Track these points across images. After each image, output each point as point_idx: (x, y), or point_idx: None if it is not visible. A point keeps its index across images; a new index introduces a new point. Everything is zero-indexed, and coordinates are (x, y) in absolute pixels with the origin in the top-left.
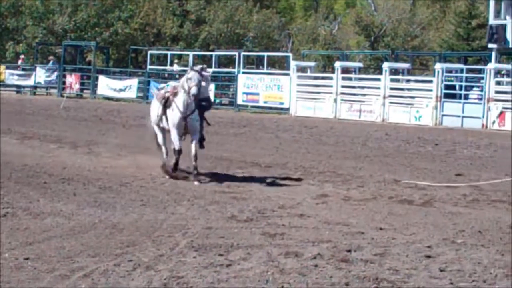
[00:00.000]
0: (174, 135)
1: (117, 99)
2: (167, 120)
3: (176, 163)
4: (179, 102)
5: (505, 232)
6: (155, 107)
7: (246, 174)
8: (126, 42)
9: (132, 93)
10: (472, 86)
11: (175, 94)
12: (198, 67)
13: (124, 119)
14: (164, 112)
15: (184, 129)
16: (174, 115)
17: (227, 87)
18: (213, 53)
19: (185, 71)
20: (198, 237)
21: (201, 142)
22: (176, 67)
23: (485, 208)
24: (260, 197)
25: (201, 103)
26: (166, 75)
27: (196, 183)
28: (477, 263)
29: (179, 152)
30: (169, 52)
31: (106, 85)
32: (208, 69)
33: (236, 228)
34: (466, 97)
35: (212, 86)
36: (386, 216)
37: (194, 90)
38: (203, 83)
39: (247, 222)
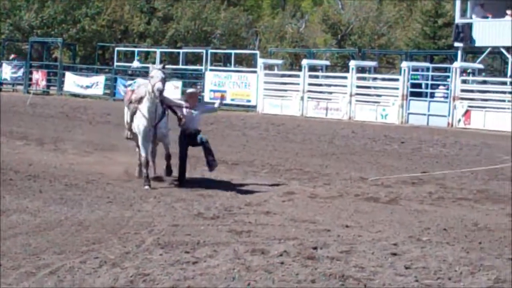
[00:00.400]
0: (140, 143)
1: (84, 96)
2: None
3: (147, 176)
4: (144, 109)
5: (470, 229)
6: (125, 113)
7: (214, 172)
8: (93, 38)
9: (99, 90)
10: (438, 85)
11: (140, 100)
12: (160, 65)
13: (90, 116)
14: (132, 119)
15: (153, 138)
16: (140, 122)
17: (194, 84)
18: (181, 50)
19: (146, 67)
20: (165, 235)
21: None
22: (136, 64)
23: (450, 206)
24: (226, 194)
25: (191, 135)
26: (132, 72)
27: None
28: (442, 260)
29: (146, 163)
30: (136, 49)
31: (72, 82)
32: (193, 90)
33: (203, 226)
34: (432, 95)
35: (179, 84)
36: (352, 213)
37: (159, 85)
38: (193, 112)
39: (214, 219)
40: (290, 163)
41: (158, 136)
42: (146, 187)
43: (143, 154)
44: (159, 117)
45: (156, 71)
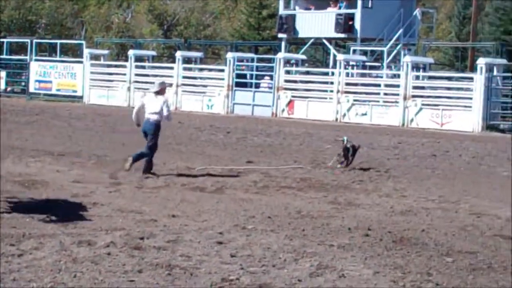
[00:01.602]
0: None
1: None
2: None
3: None
4: None
5: (294, 217)
6: None
7: (39, 163)
8: None
9: None
10: (263, 75)
11: None
12: None
13: None
14: None
15: None
16: None
17: (19, 74)
18: (5, 40)
19: None
20: None
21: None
22: None
23: (275, 194)
24: (53, 186)
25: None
26: None
27: None
28: (267, 248)
29: None
30: None
31: None
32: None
33: (28, 218)
34: (257, 86)
35: (3, 74)
36: (179, 203)
37: None
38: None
39: None
40: (117, 154)
41: None
42: None
43: None
44: None
45: None
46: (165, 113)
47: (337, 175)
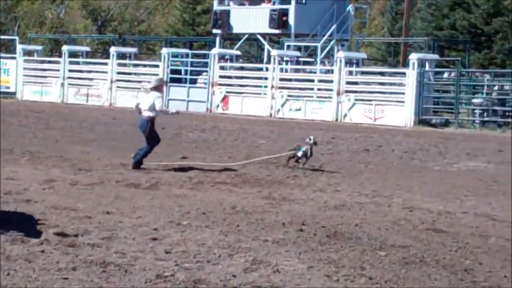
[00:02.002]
0: None
1: None
2: None
3: None
4: None
5: (228, 213)
6: None
7: None
8: None
9: None
10: (199, 71)
11: None
12: None
13: None
14: None
15: None
16: None
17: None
18: None
19: None
20: None
21: None
22: None
23: (209, 190)
24: None
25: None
26: None
27: None
28: (202, 244)
29: None
30: None
31: None
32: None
33: None
34: (193, 81)
35: None
36: (113, 200)
37: None
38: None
39: None
40: (51, 150)
41: None
42: None
43: None
44: None
45: None
46: (157, 108)
47: (271, 170)
